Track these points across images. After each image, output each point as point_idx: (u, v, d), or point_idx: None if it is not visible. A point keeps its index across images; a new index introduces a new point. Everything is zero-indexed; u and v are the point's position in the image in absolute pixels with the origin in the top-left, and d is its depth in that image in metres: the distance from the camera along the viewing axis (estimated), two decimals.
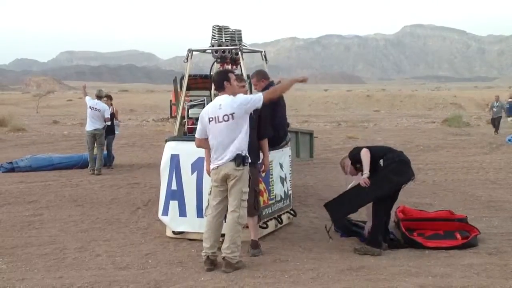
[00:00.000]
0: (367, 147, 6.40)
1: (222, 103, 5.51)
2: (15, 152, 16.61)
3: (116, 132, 13.96)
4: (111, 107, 13.41)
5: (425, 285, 4.95)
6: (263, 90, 6.37)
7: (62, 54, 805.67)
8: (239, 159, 5.45)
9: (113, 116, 13.39)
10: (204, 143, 5.68)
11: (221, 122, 5.46)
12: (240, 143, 5.46)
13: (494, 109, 22.71)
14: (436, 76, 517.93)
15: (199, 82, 10.74)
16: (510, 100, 21.78)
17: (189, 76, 8.27)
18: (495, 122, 22.58)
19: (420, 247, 6.19)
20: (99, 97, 12.88)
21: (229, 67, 7.34)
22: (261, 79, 6.73)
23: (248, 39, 7.95)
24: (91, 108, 12.51)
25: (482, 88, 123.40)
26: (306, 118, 38.62)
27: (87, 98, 12.69)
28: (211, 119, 5.50)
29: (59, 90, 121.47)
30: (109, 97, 13.63)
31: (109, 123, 12.86)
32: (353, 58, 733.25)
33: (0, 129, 25.03)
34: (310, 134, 11.76)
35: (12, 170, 12.61)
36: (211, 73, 8.20)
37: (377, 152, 6.34)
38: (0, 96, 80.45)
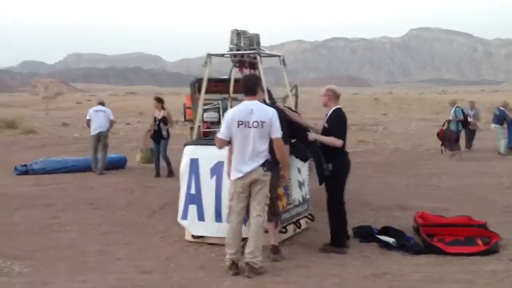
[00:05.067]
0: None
1: (253, 109, 5.52)
2: (27, 154, 16.63)
3: (166, 137, 12.52)
4: (162, 111, 12.50)
5: None
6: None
7: (70, 56, 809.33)
8: (268, 164, 5.53)
9: (165, 120, 12.42)
10: (225, 145, 5.65)
11: (251, 127, 5.46)
12: (267, 149, 5.52)
13: (469, 119, 17.15)
14: (442, 79, 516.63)
15: (211, 86, 10.76)
16: (501, 108, 17.11)
17: (201, 79, 8.29)
18: (468, 134, 17.51)
19: (441, 253, 6.16)
20: (100, 103, 13.48)
21: (247, 71, 7.33)
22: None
23: None
24: (96, 111, 13.05)
25: (489, 91, 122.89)
26: (315, 122, 38.38)
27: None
28: (240, 122, 5.47)
29: (66, 92, 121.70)
30: (159, 100, 12.78)
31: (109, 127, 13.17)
32: (360, 61, 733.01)
33: (11, 131, 25.09)
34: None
35: (26, 172, 12.66)
36: (229, 77, 8.22)
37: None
38: (9, 98, 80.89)
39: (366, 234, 6.85)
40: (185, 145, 6.87)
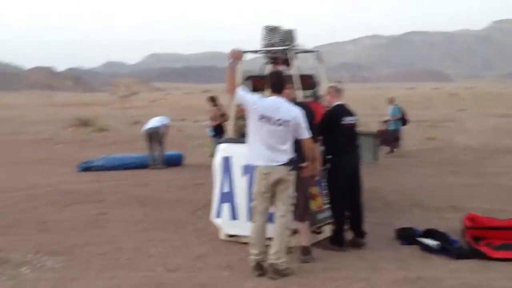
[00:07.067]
0: None
1: (281, 106, 5.39)
2: (95, 151, 17.19)
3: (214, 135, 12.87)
4: (214, 108, 12.90)
5: None
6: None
7: (148, 57, 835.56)
8: (292, 164, 5.36)
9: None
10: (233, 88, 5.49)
11: (274, 125, 5.33)
12: (291, 147, 5.40)
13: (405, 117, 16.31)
14: None
15: (266, 83, 10.62)
16: None
17: (257, 77, 8.15)
18: None
19: (485, 258, 5.75)
20: None
21: (282, 68, 7.16)
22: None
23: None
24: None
25: None
26: (385, 118, 37.45)
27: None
28: (264, 117, 5.32)
29: (145, 91, 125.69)
30: (208, 99, 13.27)
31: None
32: (440, 55, 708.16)
33: (85, 129, 26.16)
34: (372, 135, 11.41)
35: (88, 169, 13.09)
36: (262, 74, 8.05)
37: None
38: (90, 98, 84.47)
39: (408, 236, 6.51)
40: (219, 143, 6.83)
